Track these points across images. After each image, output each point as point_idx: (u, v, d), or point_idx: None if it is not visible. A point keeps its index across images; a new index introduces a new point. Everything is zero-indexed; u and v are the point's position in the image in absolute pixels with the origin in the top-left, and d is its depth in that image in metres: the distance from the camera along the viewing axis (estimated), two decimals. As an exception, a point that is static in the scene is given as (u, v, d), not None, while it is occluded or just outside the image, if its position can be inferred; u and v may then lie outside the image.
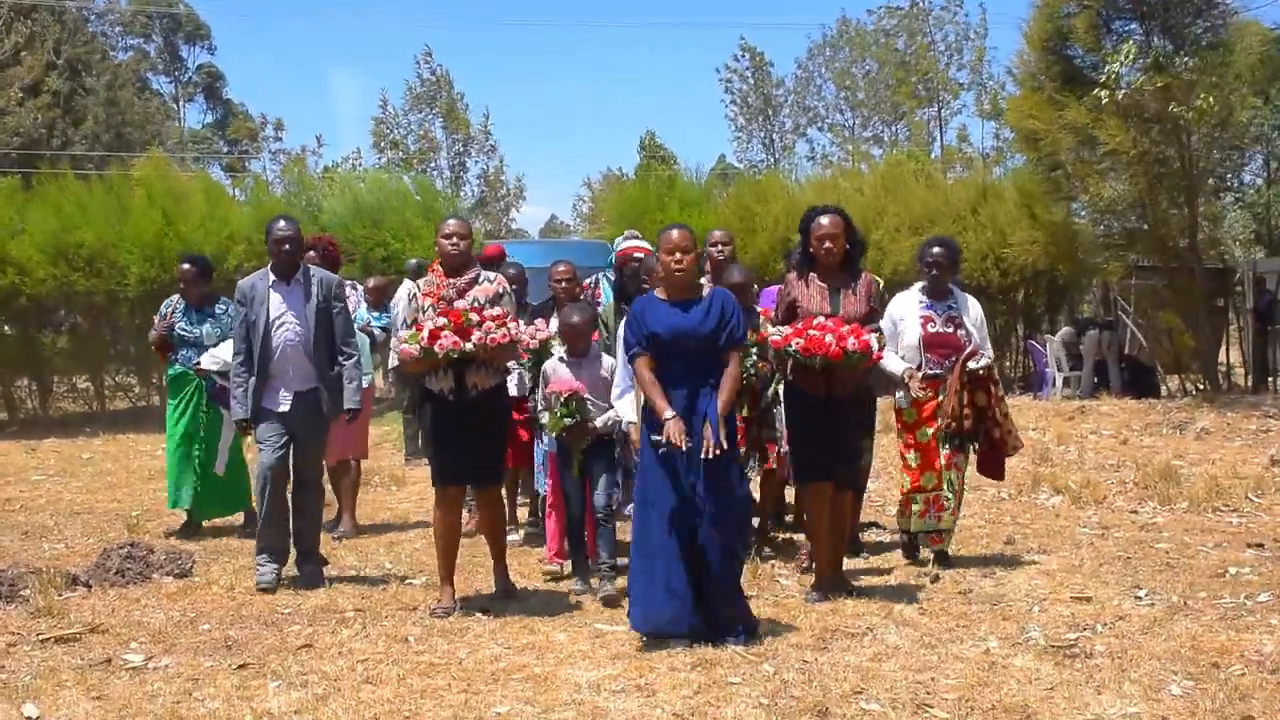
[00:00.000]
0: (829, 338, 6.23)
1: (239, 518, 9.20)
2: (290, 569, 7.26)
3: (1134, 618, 5.98)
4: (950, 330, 7.29)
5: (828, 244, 6.50)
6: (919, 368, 7.19)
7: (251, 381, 7.14)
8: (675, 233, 5.95)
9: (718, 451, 5.66)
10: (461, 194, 36.38)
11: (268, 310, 7.14)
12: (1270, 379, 17.39)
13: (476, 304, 6.44)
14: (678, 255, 5.92)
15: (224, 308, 8.88)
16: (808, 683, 5.09)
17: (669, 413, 5.67)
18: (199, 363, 8.73)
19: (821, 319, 6.35)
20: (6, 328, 17.95)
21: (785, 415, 6.93)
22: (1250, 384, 17.38)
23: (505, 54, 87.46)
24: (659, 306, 5.95)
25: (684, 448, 5.61)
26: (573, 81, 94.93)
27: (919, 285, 7.50)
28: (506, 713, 4.82)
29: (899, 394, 7.26)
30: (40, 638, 6.01)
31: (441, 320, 6.27)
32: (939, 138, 41.54)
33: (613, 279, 8.42)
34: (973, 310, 7.45)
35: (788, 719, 4.69)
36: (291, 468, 7.23)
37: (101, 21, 46.51)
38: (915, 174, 22.50)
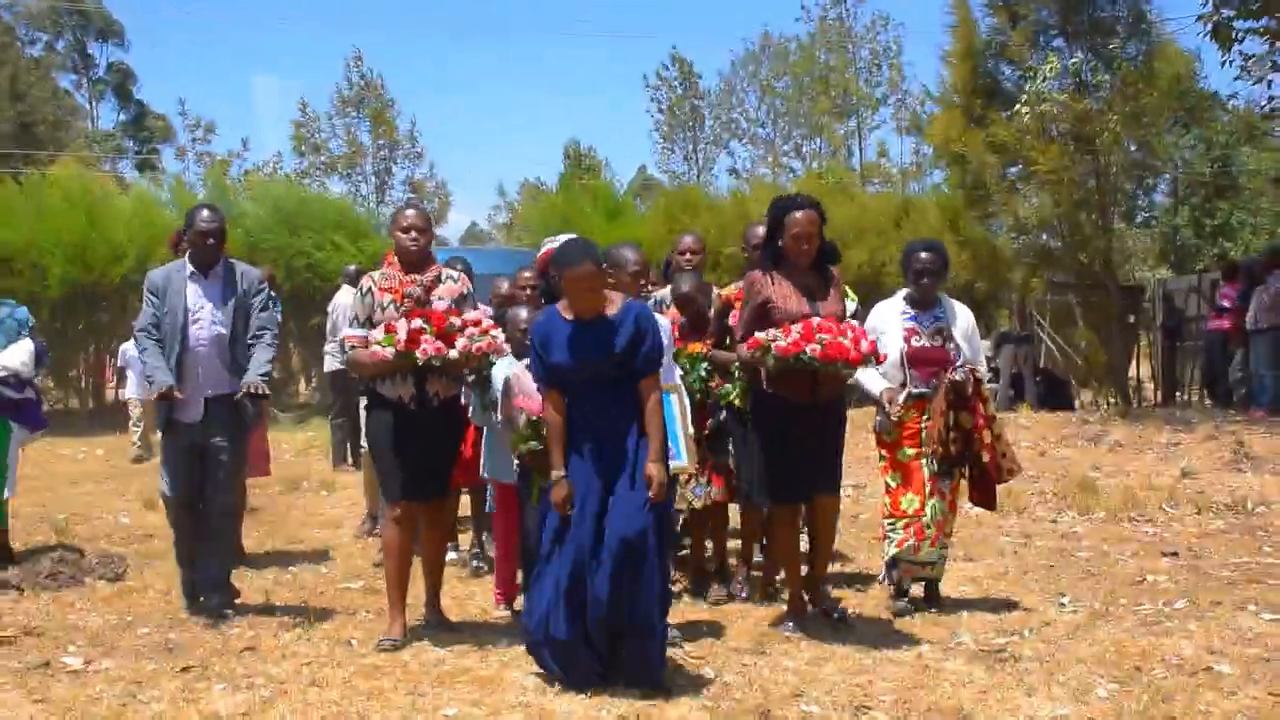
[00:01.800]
0: (845, 340, 5.70)
1: None
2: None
3: (1059, 623, 6.16)
4: (938, 344, 6.47)
5: (804, 243, 5.91)
6: (902, 386, 6.38)
7: (155, 345, 6.43)
8: (584, 267, 5.12)
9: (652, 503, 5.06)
10: (385, 200, 36.09)
11: (184, 304, 6.45)
12: (1177, 394, 17.88)
13: (447, 305, 5.96)
14: (585, 296, 5.18)
15: (7, 310, 7.74)
16: (748, 685, 5.21)
17: (558, 472, 5.11)
18: None
19: (818, 320, 5.78)
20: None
21: (758, 430, 6.18)
22: (1160, 398, 17.86)
23: (422, 58, 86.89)
24: (560, 326, 5.20)
25: (566, 512, 5.09)
26: (493, 88, 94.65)
27: (902, 294, 6.67)
28: (455, 715, 4.86)
29: (878, 418, 6.47)
30: (-25, 640, 5.95)
31: (419, 322, 5.70)
32: (858, 152, 42.06)
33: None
34: (962, 320, 6.62)
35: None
36: (205, 488, 6.48)
37: (9, 13, 45.49)
38: (834, 188, 22.84)
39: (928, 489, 6.38)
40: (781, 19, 65.76)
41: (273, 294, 7.60)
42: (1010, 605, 6.56)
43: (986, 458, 6.33)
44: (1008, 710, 4.86)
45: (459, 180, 75.88)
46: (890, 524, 6.48)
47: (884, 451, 6.53)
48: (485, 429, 6.55)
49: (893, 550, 6.45)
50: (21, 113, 39.03)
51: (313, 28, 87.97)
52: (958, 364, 6.32)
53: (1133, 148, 16.61)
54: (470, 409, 6.52)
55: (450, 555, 7.60)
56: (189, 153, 44.81)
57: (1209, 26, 13.59)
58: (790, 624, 6.07)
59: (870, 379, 6.32)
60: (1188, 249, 26.81)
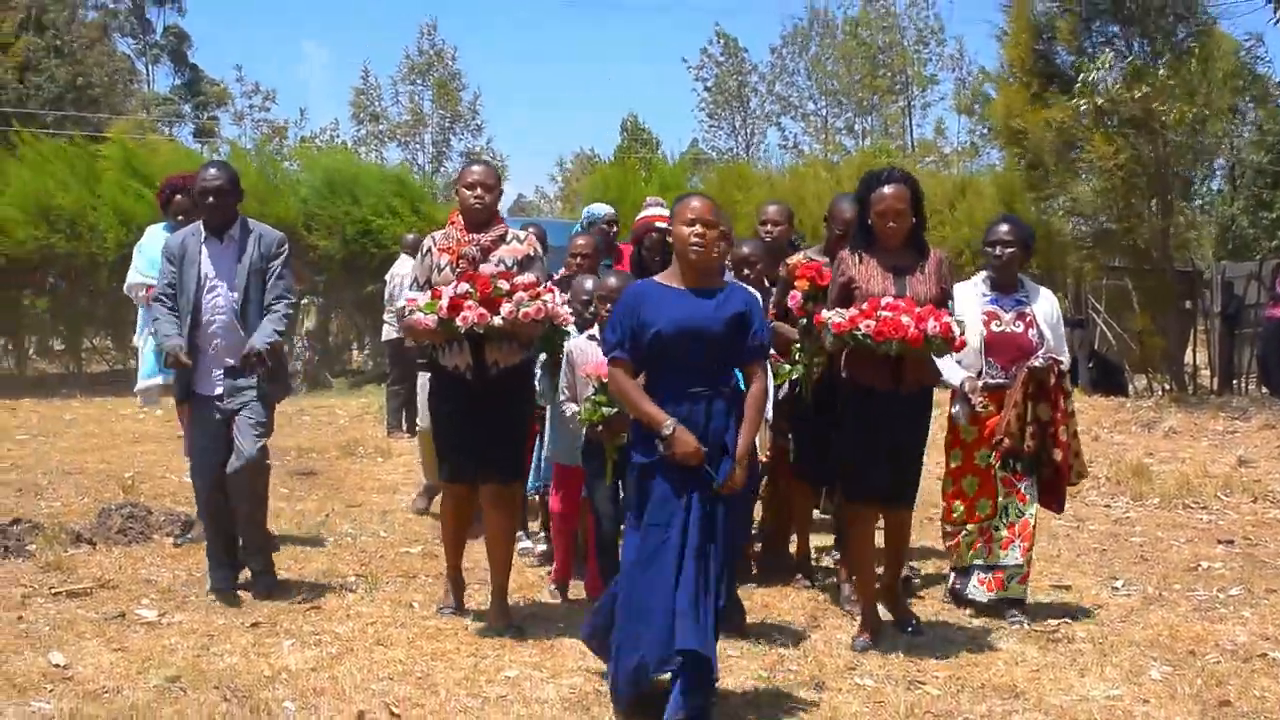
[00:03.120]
0: (905, 319, 5.23)
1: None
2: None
3: (1111, 606, 6.22)
4: (1020, 330, 5.99)
5: (891, 221, 5.46)
6: (979, 375, 5.94)
7: (171, 310, 6.11)
8: (696, 201, 4.64)
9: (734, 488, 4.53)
10: (441, 170, 36.31)
11: (198, 271, 6.08)
12: (1235, 381, 17.74)
13: (502, 266, 5.52)
14: (699, 228, 4.57)
15: None
16: (803, 657, 5.32)
17: (669, 422, 4.43)
18: None
19: (890, 299, 5.35)
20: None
21: (838, 421, 5.69)
22: (1216, 386, 17.73)
23: (480, 30, 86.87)
24: (663, 293, 4.62)
25: (698, 460, 4.44)
26: (549, 63, 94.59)
27: (981, 275, 6.22)
28: (516, 676, 5.00)
29: (955, 407, 5.97)
30: (53, 591, 6.18)
31: (464, 287, 5.26)
32: (910, 130, 41.89)
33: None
34: (1046, 305, 6.14)
35: (786, 690, 4.91)
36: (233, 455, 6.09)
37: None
38: (890, 167, 22.76)
39: (1000, 490, 5.99)
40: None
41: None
42: (1063, 588, 6.62)
43: (1060, 456, 5.89)
44: (1060, 689, 4.94)
45: (513, 151, 76.01)
46: (964, 530, 6.09)
47: (959, 450, 6.10)
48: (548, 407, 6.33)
49: (969, 556, 6.08)
50: (72, 74, 39.35)
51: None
52: (1039, 352, 5.90)
53: (1188, 133, 16.41)
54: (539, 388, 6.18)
55: (524, 544, 7.23)
56: (246, 119, 45.16)
57: (1273, 4, 13.44)
58: (861, 641, 5.51)
59: (949, 368, 5.83)
60: (1244, 237, 26.47)
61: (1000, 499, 6.00)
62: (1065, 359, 6.01)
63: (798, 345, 6.18)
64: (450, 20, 78.87)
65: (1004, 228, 6.20)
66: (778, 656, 5.31)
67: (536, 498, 7.24)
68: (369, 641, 5.45)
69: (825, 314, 5.46)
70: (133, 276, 7.66)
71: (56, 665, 5.01)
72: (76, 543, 7.16)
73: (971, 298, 6.07)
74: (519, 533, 7.08)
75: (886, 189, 5.46)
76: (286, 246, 6.33)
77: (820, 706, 4.72)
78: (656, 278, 4.77)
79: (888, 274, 5.47)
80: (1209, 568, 7.08)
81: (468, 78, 40.83)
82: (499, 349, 5.50)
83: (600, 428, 5.50)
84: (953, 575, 6.30)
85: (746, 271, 6.42)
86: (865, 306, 5.33)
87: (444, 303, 5.25)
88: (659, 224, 6.47)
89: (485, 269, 5.46)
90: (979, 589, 6.09)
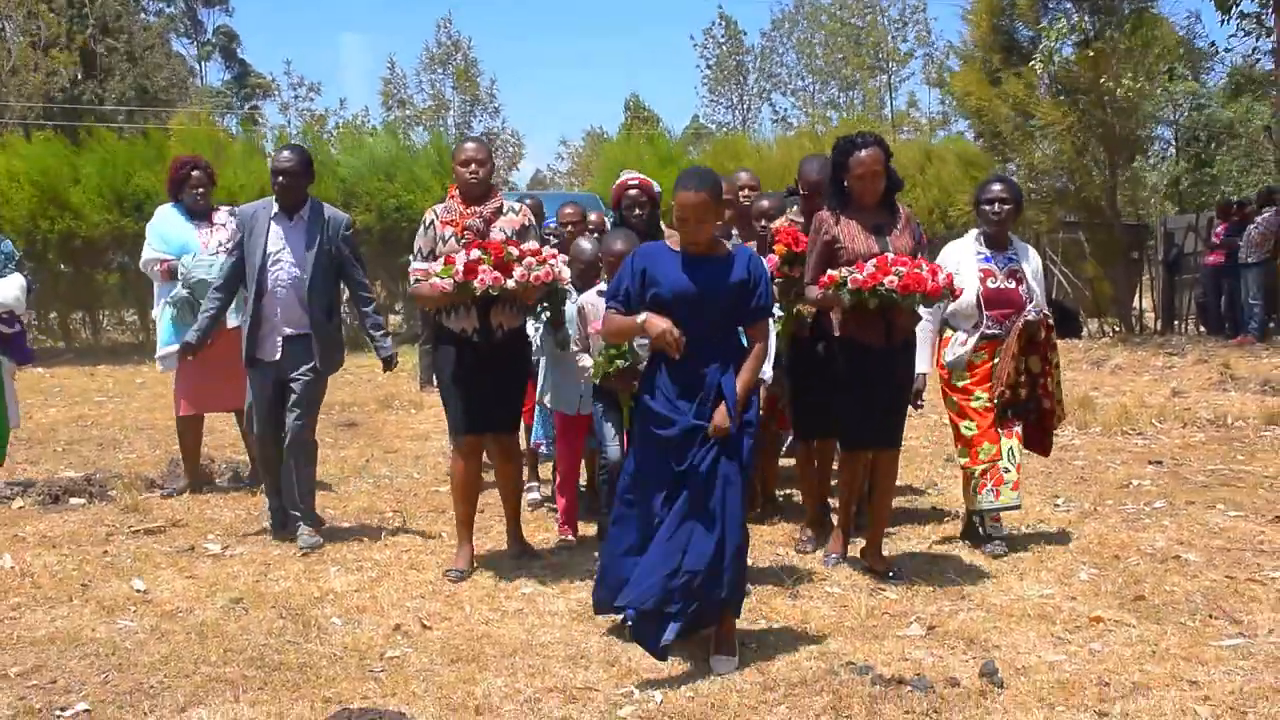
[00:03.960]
0: (922, 271, 5.08)
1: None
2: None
3: (1052, 521, 6.39)
4: (1012, 285, 5.80)
5: (869, 182, 5.29)
6: (976, 327, 5.78)
7: (218, 310, 6.17)
8: (689, 194, 4.31)
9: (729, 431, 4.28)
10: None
11: (265, 244, 5.98)
12: (1175, 323, 17.86)
13: (505, 235, 5.43)
14: (689, 225, 4.35)
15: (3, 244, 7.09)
16: (780, 572, 5.49)
17: (642, 315, 4.30)
18: None
19: (890, 255, 5.15)
20: (63, 266, 18.09)
21: (829, 373, 5.52)
22: (1160, 327, 17.86)
23: (494, 13, 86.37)
24: (668, 257, 4.43)
25: (678, 350, 4.24)
26: (559, 42, 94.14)
27: (974, 233, 5.98)
28: (530, 593, 5.20)
29: (950, 357, 5.84)
30: (131, 529, 6.42)
31: (477, 252, 5.18)
32: (889, 103, 41.70)
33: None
34: (1033, 262, 5.97)
35: (763, 599, 5.11)
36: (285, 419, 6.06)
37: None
38: (862, 132, 22.81)
39: (1001, 432, 5.82)
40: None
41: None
42: (1012, 507, 6.76)
43: (1047, 404, 5.83)
44: (1001, 590, 5.13)
45: (529, 130, 75.73)
46: (972, 473, 5.83)
47: (955, 398, 5.88)
48: (543, 361, 6.26)
49: (977, 498, 5.84)
50: (139, 75, 39.55)
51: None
52: (1030, 305, 5.76)
53: (1135, 98, 16.48)
54: (537, 343, 6.15)
55: (532, 496, 7.16)
56: (291, 108, 45.19)
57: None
58: (832, 557, 5.61)
59: (922, 349, 5.65)
60: (1188, 193, 26.52)
61: (1003, 440, 5.82)
62: (1047, 311, 5.86)
63: (778, 308, 5.84)
64: (464, 11, 78.63)
65: (998, 186, 5.96)
66: (756, 571, 5.48)
67: (540, 447, 6.97)
68: (404, 566, 5.66)
69: (840, 271, 5.15)
70: (147, 253, 7.49)
71: (138, 590, 5.25)
72: (150, 488, 7.39)
73: (967, 255, 5.86)
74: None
75: (863, 153, 5.27)
76: (353, 229, 6.33)
77: (794, 610, 4.91)
78: (667, 241, 4.66)
79: (869, 233, 5.29)
80: (1139, 485, 7.24)
81: (484, 65, 40.79)
82: (504, 312, 5.42)
83: (614, 378, 5.24)
84: (967, 517, 6.06)
85: (765, 223, 6.23)
86: (875, 263, 5.08)
87: (459, 267, 5.14)
88: (632, 182, 6.15)
89: (494, 236, 5.39)
90: (995, 525, 5.90)
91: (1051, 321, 5.84)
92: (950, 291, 5.22)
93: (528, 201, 6.47)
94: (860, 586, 5.23)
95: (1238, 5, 13.87)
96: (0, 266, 6.97)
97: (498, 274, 5.13)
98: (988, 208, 5.87)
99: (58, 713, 3.88)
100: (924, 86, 47.65)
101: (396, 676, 4.16)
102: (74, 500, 7.10)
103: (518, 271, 5.15)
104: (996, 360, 5.76)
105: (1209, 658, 4.21)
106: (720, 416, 4.24)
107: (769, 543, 6.06)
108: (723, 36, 44.63)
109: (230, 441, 9.24)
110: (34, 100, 31.66)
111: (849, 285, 5.08)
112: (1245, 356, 13.02)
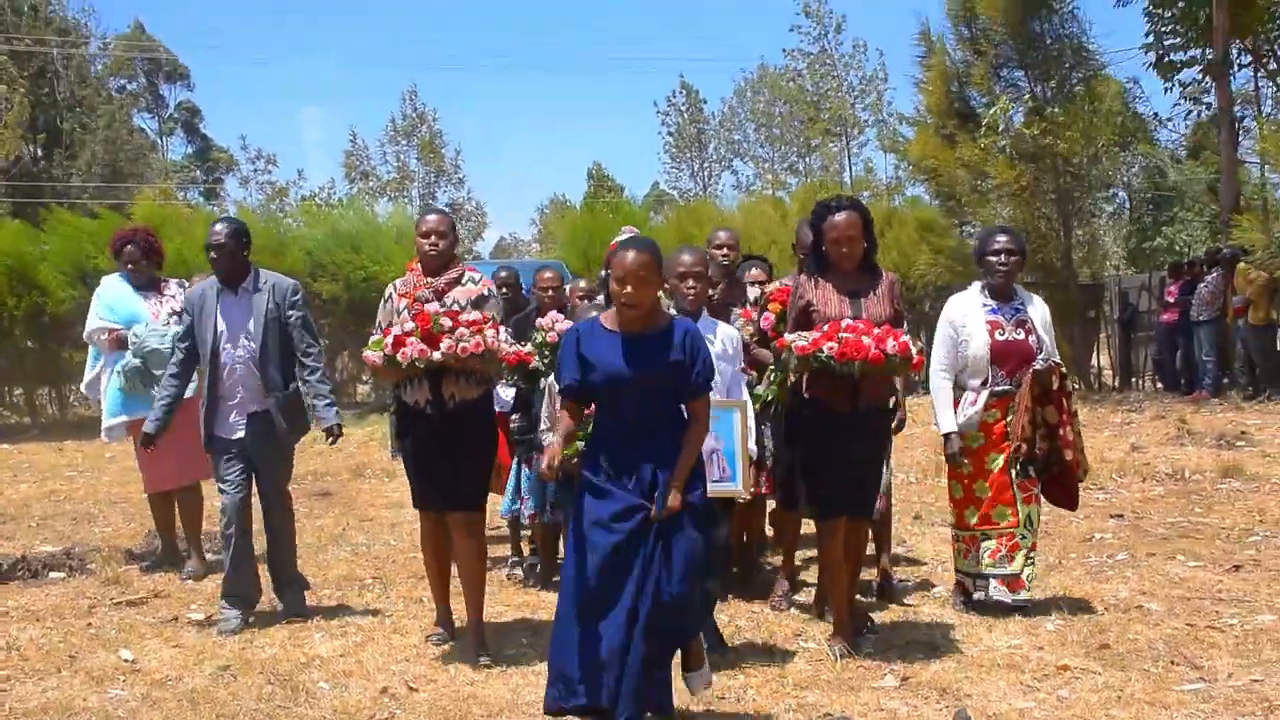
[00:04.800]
0: (866, 339, 4.94)
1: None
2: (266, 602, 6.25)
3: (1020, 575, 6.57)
4: (1021, 337, 5.64)
5: (845, 247, 5.13)
6: (985, 384, 5.61)
7: (174, 396, 6.01)
8: (630, 255, 4.21)
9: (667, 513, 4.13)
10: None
11: (215, 323, 5.88)
12: (1133, 379, 18.23)
13: (455, 306, 5.25)
14: (629, 287, 4.23)
15: None
16: (756, 629, 5.64)
17: (547, 439, 4.31)
18: None
19: (849, 321, 5.04)
20: (29, 343, 18.10)
21: (800, 439, 5.34)
22: (1118, 384, 18.22)
23: (454, 83, 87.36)
24: (603, 339, 4.30)
25: (551, 480, 4.28)
26: (520, 115, 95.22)
27: (978, 285, 5.82)
28: (513, 655, 5.31)
29: (949, 450, 5.66)
30: (114, 601, 6.50)
31: (410, 325, 5.10)
32: (848, 168, 42.43)
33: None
34: (1041, 311, 5.78)
35: (745, 654, 5.25)
36: (257, 496, 6.06)
37: (96, 63, 46.19)
38: (840, 195, 23.22)
39: (1020, 496, 5.62)
40: (775, 52, 65.76)
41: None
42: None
43: (1069, 455, 5.59)
44: (970, 642, 5.30)
45: (492, 200, 76.33)
46: (983, 536, 5.67)
47: (968, 460, 5.67)
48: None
49: (985, 562, 5.65)
50: (109, 152, 39.81)
51: (355, 64, 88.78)
52: (1039, 355, 5.60)
53: (1084, 164, 17.05)
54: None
55: (516, 571, 7.05)
56: (251, 181, 45.40)
57: (1151, 57, 14.05)
58: (837, 649, 5.17)
59: (943, 411, 5.65)
60: (1142, 253, 27.23)
61: (1021, 506, 5.63)
62: (1057, 361, 5.71)
63: (772, 367, 5.91)
64: (429, 82, 79.77)
65: (1003, 238, 5.80)
66: (735, 627, 5.63)
67: (525, 519, 6.90)
68: (387, 631, 5.76)
69: (788, 337, 5.15)
70: (92, 322, 7.40)
71: (126, 660, 5.33)
72: (129, 560, 7.44)
73: (974, 308, 5.73)
74: (514, 558, 7.14)
75: (838, 216, 5.14)
76: (301, 294, 6.12)
77: (771, 665, 5.05)
78: (600, 317, 4.41)
79: (844, 297, 5.17)
80: (1101, 538, 7.44)
81: (448, 136, 41.27)
82: (456, 383, 5.23)
83: (575, 460, 4.86)
84: (964, 580, 5.85)
85: (691, 283, 5.40)
86: (826, 329, 5.03)
87: (389, 340, 5.07)
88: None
89: (430, 308, 5.20)
90: (1001, 590, 5.66)
91: (1064, 370, 5.72)
92: (908, 360, 5.00)
93: (502, 274, 6.51)
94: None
95: (1178, 74, 14.42)
96: None
97: (423, 346, 5.01)
98: (994, 259, 5.72)
99: (57, 780, 3.96)
100: (879, 152, 48.51)
101: (387, 738, 4.27)
102: (53, 574, 7.15)
103: (445, 343, 5.00)
104: (1010, 418, 5.58)
105: (1171, 701, 4.40)
106: (674, 499, 4.12)
107: (746, 603, 6.18)
108: (684, 104, 45.42)
109: (208, 514, 9.27)
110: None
111: (794, 351, 5.04)
112: (1200, 412, 13.35)
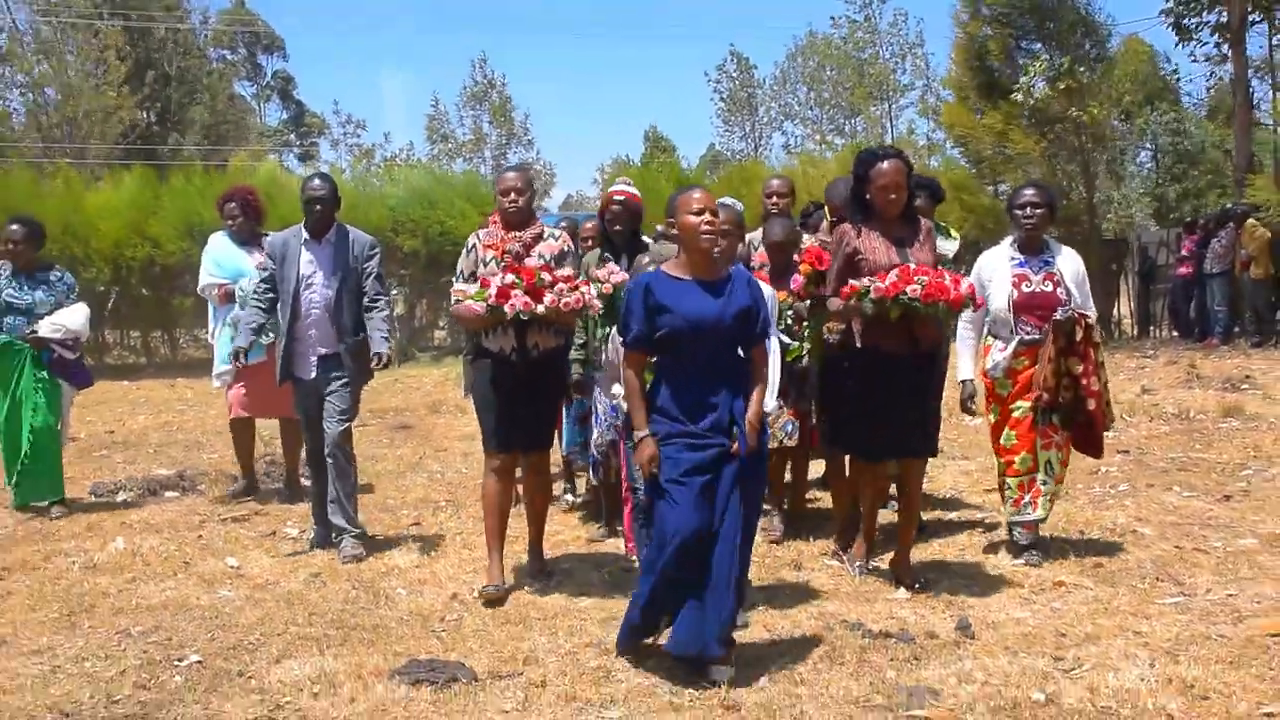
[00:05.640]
0: (946, 280, 4.75)
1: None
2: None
3: (1027, 503, 6.67)
4: (1049, 289, 5.38)
5: (893, 194, 4.92)
6: (1012, 332, 5.41)
7: (259, 321, 5.97)
8: (698, 191, 4.12)
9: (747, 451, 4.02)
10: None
11: (298, 270, 5.86)
12: (1150, 328, 18.05)
13: (543, 261, 5.16)
14: (708, 216, 4.06)
15: (58, 275, 7.16)
16: (785, 548, 5.81)
17: (643, 432, 4.06)
18: (34, 330, 6.91)
19: (912, 266, 4.83)
20: (144, 290, 18.63)
21: (852, 385, 5.11)
22: (1135, 332, 18.06)
23: (524, 49, 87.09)
24: (676, 286, 4.09)
25: (650, 473, 4.03)
26: (588, 79, 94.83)
27: (1009, 239, 5.59)
28: (569, 567, 5.54)
29: (990, 364, 5.50)
30: (220, 518, 6.82)
31: (511, 277, 4.92)
32: (889, 131, 41.88)
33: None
34: (1072, 264, 5.50)
35: (774, 570, 5.43)
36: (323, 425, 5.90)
37: (199, 36, 46.64)
38: (883, 145, 23.07)
39: (1039, 443, 5.44)
40: (824, 20, 64.55)
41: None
42: (992, 490, 6.99)
43: (1093, 405, 5.35)
44: (976, 563, 5.44)
45: (561, 158, 76.29)
46: (1006, 483, 5.51)
47: (996, 405, 5.54)
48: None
49: (1010, 511, 5.52)
50: (215, 119, 40.41)
51: (437, 30, 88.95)
52: (1066, 309, 5.31)
53: (1106, 125, 16.85)
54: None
55: (567, 498, 7.14)
56: (341, 144, 45.74)
57: (1170, 22, 13.86)
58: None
59: (963, 358, 5.54)
60: (1171, 206, 26.72)
61: (1040, 451, 5.44)
62: (1092, 313, 5.49)
63: (805, 323, 5.76)
64: (499, 48, 79.79)
65: (1030, 191, 5.57)
66: (767, 546, 5.78)
67: (575, 457, 6.83)
68: (458, 546, 6.00)
69: (862, 281, 4.84)
70: (204, 278, 7.42)
71: (232, 566, 5.64)
72: (234, 482, 7.76)
73: (1001, 262, 5.50)
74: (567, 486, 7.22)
75: (885, 164, 4.92)
76: (379, 250, 6.07)
77: (797, 579, 5.23)
78: (664, 268, 4.18)
79: (890, 244, 4.96)
80: (1106, 471, 7.48)
81: (518, 100, 41.14)
82: (540, 333, 5.15)
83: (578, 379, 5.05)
84: (1008, 529, 5.67)
85: (775, 200, 6.13)
86: (897, 273, 4.78)
87: (492, 291, 4.89)
88: (617, 197, 6.06)
89: (529, 263, 5.12)
90: (1021, 534, 5.51)
91: (1091, 319, 5.43)
92: (972, 301, 4.88)
93: (563, 224, 6.50)
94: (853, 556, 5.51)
95: (1197, 35, 14.17)
96: (64, 296, 7.06)
97: (529, 299, 4.88)
98: (1020, 213, 5.48)
99: (175, 663, 4.26)
100: (919, 116, 47.84)
101: (455, 635, 4.50)
102: (169, 494, 7.51)
103: (548, 297, 4.88)
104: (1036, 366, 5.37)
105: (1152, 613, 4.51)
106: (753, 437, 4.02)
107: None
108: (735, 71, 44.99)
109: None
110: (115, 142, 32.26)
111: (871, 295, 4.76)
112: (1210, 358, 13.25)
